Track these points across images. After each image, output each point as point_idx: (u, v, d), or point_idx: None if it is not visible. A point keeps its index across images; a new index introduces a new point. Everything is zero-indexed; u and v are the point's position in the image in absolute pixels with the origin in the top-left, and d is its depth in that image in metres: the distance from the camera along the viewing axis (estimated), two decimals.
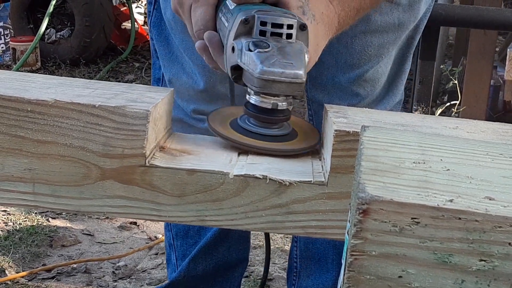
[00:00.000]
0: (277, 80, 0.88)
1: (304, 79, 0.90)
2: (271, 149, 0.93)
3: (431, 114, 3.45)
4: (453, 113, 3.69)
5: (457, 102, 3.65)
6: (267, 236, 1.61)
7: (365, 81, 1.42)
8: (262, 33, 0.93)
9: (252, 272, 2.49)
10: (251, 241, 2.60)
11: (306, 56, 0.93)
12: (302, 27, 0.94)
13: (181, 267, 1.78)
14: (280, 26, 0.92)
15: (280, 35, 0.92)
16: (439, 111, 3.70)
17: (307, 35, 0.95)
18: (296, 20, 0.93)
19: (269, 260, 1.68)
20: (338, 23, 1.09)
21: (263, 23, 0.93)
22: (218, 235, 1.73)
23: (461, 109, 3.45)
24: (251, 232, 2.55)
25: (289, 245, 2.65)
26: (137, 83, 4.83)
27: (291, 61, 0.89)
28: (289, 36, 0.93)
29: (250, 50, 0.91)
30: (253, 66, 0.89)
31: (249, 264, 2.48)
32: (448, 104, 3.83)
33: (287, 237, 2.71)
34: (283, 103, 0.93)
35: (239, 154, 0.92)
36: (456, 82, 3.86)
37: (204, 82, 1.41)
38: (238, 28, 0.93)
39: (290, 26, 0.93)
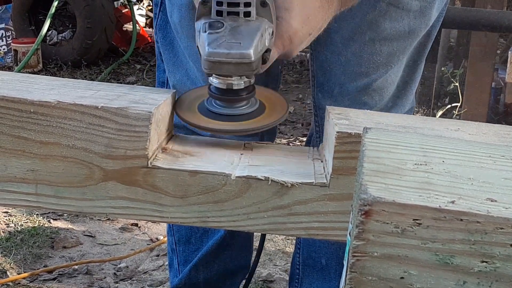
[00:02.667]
0: (223, 61, 0.89)
1: (253, 58, 0.89)
2: (232, 130, 0.96)
3: (432, 116, 3.45)
4: (454, 115, 3.69)
5: (458, 104, 3.66)
6: (262, 237, 1.61)
7: (374, 90, 1.39)
8: (219, 13, 0.93)
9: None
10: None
11: (266, 33, 0.92)
12: (263, 3, 0.93)
13: (183, 274, 1.77)
14: (236, 4, 0.93)
15: (238, 13, 0.93)
16: (440, 113, 3.71)
17: (269, 11, 0.94)
18: None
19: (257, 261, 1.68)
20: None
21: (219, 3, 0.93)
22: (220, 243, 1.71)
23: (462, 111, 3.45)
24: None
25: (290, 247, 2.65)
26: (138, 85, 4.82)
27: (239, 41, 0.89)
28: (247, 14, 0.93)
29: (204, 32, 0.91)
30: (202, 48, 0.90)
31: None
32: (449, 106, 3.83)
33: (288, 239, 2.71)
34: (239, 82, 0.94)
35: (241, 155, 0.93)
36: (457, 84, 3.86)
37: None
38: (198, 9, 0.94)
39: (247, 4, 0.92)
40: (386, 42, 1.33)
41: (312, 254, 1.72)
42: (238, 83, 0.94)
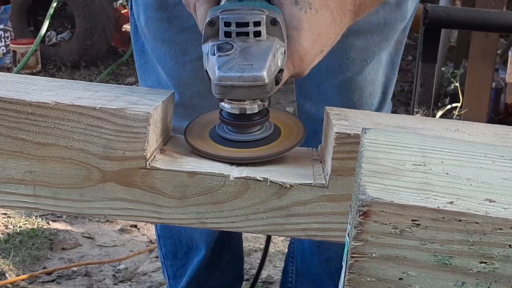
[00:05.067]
0: (235, 85, 0.84)
1: (267, 80, 0.84)
2: (248, 158, 0.89)
3: (432, 117, 3.45)
4: (455, 116, 3.69)
5: (459, 104, 3.66)
6: (268, 239, 1.59)
7: (351, 90, 1.34)
8: (228, 34, 0.88)
9: (252, 275, 2.48)
10: (252, 243, 2.61)
11: (278, 52, 0.88)
12: (273, 22, 0.88)
13: None
14: (246, 24, 0.88)
15: (247, 34, 0.88)
16: (440, 113, 3.70)
17: (280, 29, 0.89)
18: (263, 16, 0.88)
19: (263, 262, 1.66)
20: (353, 5, 0.98)
21: (227, 24, 0.88)
22: (209, 262, 1.68)
23: (462, 112, 3.45)
24: (250, 235, 2.54)
25: None
26: (137, 86, 4.82)
27: (251, 63, 0.85)
28: (257, 33, 0.88)
29: (213, 55, 0.87)
30: (212, 72, 0.86)
31: (250, 267, 2.48)
32: (450, 106, 3.83)
33: (288, 240, 2.71)
34: (252, 106, 0.89)
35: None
36: (457, 84, 3.86)
37: (179, 95, 1.33)
38: (205, 31, 0.90)
39: (257, 23, 0.88)
40: (360, 36, 1.29)
41: (304, 266, 1.70)
42: (252, 107, 0.89)
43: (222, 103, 0.90)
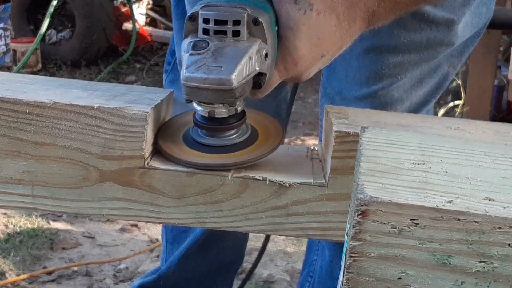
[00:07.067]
0: (200, 87, 0.81)
1: (235, 85, 0.80)
2: (214, 165, 0.85)
3: (434, 115, 3.44)
4: (457, 113, 3.69)
5: (461, 102, 3.65)
6: (266, 238, 1.58)
7: (372, 105, 1.24)
8: (206, 31, 0.85)
9: (253, 274, 2.48)
10: (253, 243, 2.60)
11: (257, 55, 0.84)
12: (255, 22, 0.84)
13: (172, 263, 1.71)
14: (224, 22, 0.84)
15: (225, 32, 0.84)
16: (442, 111, 3.70)
17: (263, 30, 0.84)
18: (244, 15, 0.83)
19: (259, 259, 1.64)
20: (365, 12, 0.90)
21: (206, 20, 0.84)
22: (211, 235, 1.64)
23: (464, 109, 3.45)
24: (251, 234, 2.54)
25: (291, 247, 2.65)
26: (138, 84, 4.82)
27: (221, 65, 0.81)
28: (236, 33, 0.84)
29: (187, 52, 0.84)
30: (181, 71, 0.83)
31: (250, 266, 2.47)
32: (452, 104, 3.83)
33: (289, 239, 2.71)
34: (222, 110, 0.86)
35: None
36: (459, 82, 3.86)
37: None
38: (185, 26, 0.87)
39: (236, 22, 0.84)
40: (396, 52, 1.20)
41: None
42: (221, 111, 0.85)
43: (194, 104, 0.87)
